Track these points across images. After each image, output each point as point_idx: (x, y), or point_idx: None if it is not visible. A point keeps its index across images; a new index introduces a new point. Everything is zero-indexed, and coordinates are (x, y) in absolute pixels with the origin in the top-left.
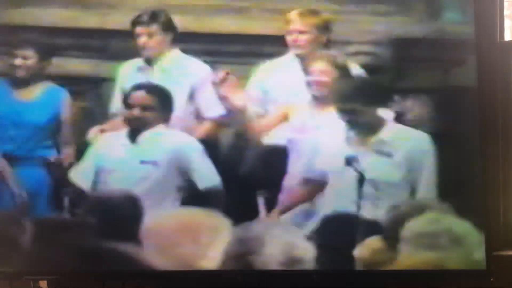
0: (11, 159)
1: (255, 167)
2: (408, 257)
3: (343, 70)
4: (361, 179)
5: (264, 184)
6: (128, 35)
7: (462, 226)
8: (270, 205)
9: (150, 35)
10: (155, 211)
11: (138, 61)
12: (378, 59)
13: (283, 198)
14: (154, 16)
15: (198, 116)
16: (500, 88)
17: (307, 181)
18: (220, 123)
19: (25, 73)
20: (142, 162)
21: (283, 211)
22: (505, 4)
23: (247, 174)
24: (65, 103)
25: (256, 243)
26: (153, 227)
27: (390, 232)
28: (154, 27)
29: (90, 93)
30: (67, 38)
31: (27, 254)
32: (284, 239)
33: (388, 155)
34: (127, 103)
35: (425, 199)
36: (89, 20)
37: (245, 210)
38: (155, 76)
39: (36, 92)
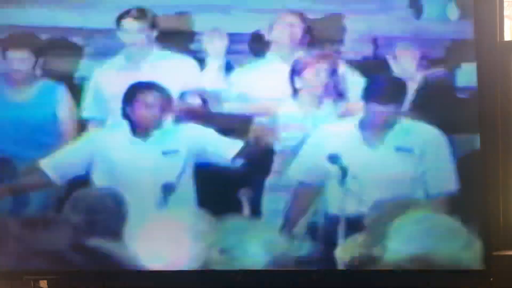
0: (13, 161)
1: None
2: (395, 255)
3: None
4: (344, 175)
5: (248, 183)
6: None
7: (449, 224)
8: (253, 204)
9: (139, 30)
10: (139, 210)
11: (119, 61)
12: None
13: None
14: (142, 12)
15: None
16: (500, 88)
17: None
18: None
19: (22, 74)
20: (164, 153)
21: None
22: (505, 4)
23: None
24: (61, 98)
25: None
26: (137, 226)
27: (375, 229)
28: (143, 23)
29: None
30: (54, 37)
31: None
32: (264, 237)
33: (409, 150)
34: (131, 102)
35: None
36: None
37: (228, 207)
38: (144, 73)
39: (32, 91)
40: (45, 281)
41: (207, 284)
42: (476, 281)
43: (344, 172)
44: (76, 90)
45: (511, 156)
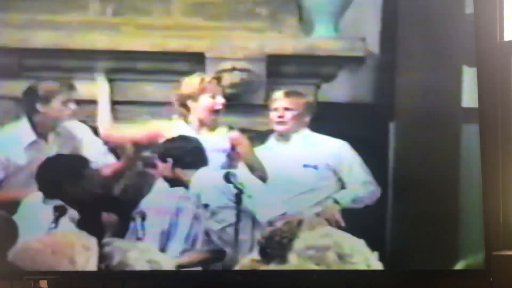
0: None
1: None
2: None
3: None
4: (239, 194)
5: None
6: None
7: (351, 242)
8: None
9: None
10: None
11: None
12: (252, 75)
13: None
14: None
15: None
16: (500, 88)
17: None
18: None
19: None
20: None
21: None
22: (505, 4)
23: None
24: None
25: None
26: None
27: (269, 246)
28: None
29: None
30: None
31: None
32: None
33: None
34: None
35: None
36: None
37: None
38: None
39: None
40: (45, 281)
41: (207, 284)
42: (476, 281)
43: (239, 190)
44: None
45: (511, 156)
